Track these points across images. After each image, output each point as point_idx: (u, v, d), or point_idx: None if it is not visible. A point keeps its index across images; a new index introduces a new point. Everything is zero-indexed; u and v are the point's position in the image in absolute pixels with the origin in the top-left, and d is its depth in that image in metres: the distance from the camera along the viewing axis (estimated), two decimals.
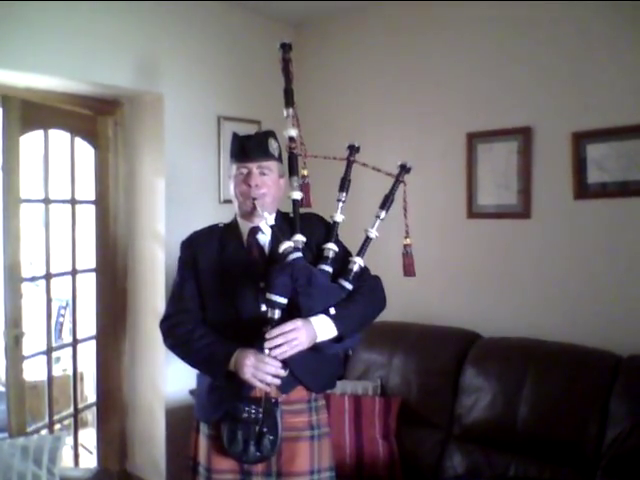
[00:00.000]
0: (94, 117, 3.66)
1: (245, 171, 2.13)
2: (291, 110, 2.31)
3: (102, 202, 3.73)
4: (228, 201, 3.77)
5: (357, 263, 2.15)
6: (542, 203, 3.16)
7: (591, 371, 2.66)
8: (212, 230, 2.28)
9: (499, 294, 3.32)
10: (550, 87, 3.11)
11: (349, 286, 2.12)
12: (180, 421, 3.65)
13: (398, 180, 2.23)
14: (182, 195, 3.66)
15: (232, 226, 2.25)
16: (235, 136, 2.22)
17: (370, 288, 2.18)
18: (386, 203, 2.23)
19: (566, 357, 2.76)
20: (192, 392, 3.71)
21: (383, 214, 2.22)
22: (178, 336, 2.15)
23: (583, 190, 3.00)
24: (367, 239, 2.22)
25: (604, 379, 2.61)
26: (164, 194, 3.59)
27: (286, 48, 2.35)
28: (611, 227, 2.94)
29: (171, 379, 3.65)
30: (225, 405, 2.06)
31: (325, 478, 2.12)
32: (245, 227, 2.20)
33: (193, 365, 2.19)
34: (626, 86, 2.88)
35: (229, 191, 2.23)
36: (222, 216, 3.70)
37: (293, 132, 2.29)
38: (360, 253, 2.18)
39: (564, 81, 3.06)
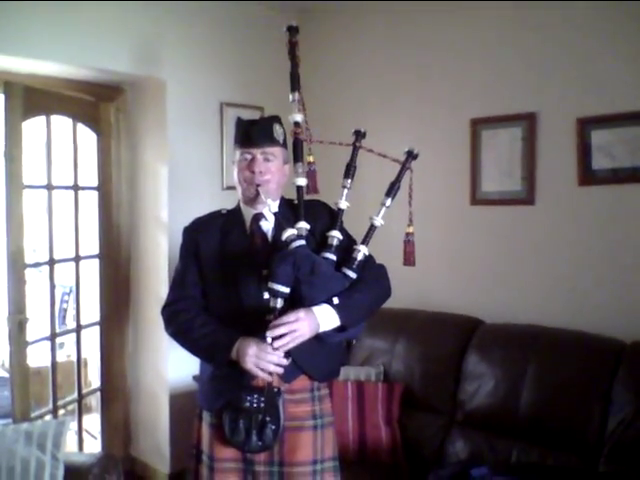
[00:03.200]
0: (96, 103, 3.65)
1: (249, 157, 2.08)
2: (297, 94, 2.23)
3: (105, 188, 3.73)
4: (231, 187, 3.77)
5: (361, 251, 2.09)
6: (546, 189, 3.14)
7: (594, 357, 2.65)
8: (215, 216, 2.24)
9: (502, 280, 3.31)
10: (555, 73, 3.09)
11: (353, 275, 2.07)
12: (184, 406, 3.67)
13: (405, 167, 2.17)
14: (185, 181, 3.66)
15: (235, 212, 2.21)
16: (239, 121, 2.17)
17: (375, 277, 2.14)
18: (392, 190, 2.15)
19: (569, 343, 2.76)
20: (195, 378, 3.72)
21: (389, 201, 2.15)
22: (180, 323, 2.12)
23: (588, 176, 2.99)
24: (372, 227, 2.15)
25: (607, 365, 2.60)
26: (167, 180, 3.59)
27: (292, 31, 2.27)
28: (616, 213, 2.93)
29: (174, 365, 3.66)
30: (227, 394, 2.04)
31: (328, 467, 2.10)
32: (248, 214, 2.16)
33: (194, 353, 2.16)
34: (631, 72, 2.85)
35: (232, 177, 2.19)
36: (225, 202, 3.70)
37: (298, 117, 2.22)
38: (364, 241, 2.12)
39: (569, 67, 3.04)
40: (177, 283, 2.21)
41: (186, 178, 3.66)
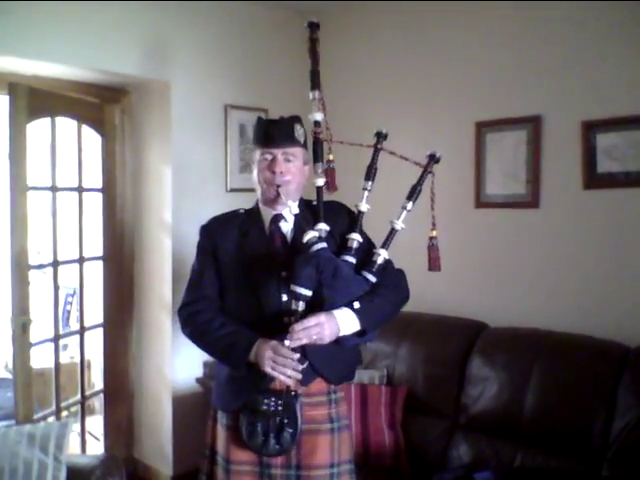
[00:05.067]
0: (101, 105, 3.65)
1: (269, 157, 2.06)
2: (317, 93, 2.21)
3: (109, 190, 3.73)
4: (235, 190, 3.81)
5: (381, 255, 2.08)
6: (551, 193, 3.13)
7: (599, 362, 2.64)
8: (233, 216, 2.21)
9: (506, 284, 3.30)
10: (560, 76, 3.08)
11: (373, 279, 2.06)
12: (187, 409, 3.68)
13: (426, 171, 2.16)
14: (189, 183, 3.66)
15: (254, 213, 2.19)
16: (260, 120, 2.15)
17: (394, 282, 2.13)
18: (413, 194, 2.14)
19: (573, 347, 2.74)
20: (199, 380, 3.73)
21: (410, 205, 2.14)
22: (197, 325, 2.09)
23: (592, 180, 2.98)
24: (392, 231, 2.13)
25: (612, 370, 2.59)
26: (171, 182, 3.59)
27: (314, 28, 2.25)
28: (620, 217, 2.92)
29: (178, 367, 3.67)
30: (244, 396, 2.02)
31: (344, 471, 2.08)
32: (267, 214, 2.14)
33: (212, 354, 2.14)
34: (636, 75, 2.84)
35: (252, 177, 2.16)
36: (229, 204, 3.67)
37: (319, 116, 2.19)
38: (385, 245, 2.11)
39: (574, 70, 3.03)
40: (194, 283, 2.18)
41: (190, 180, 3.67)
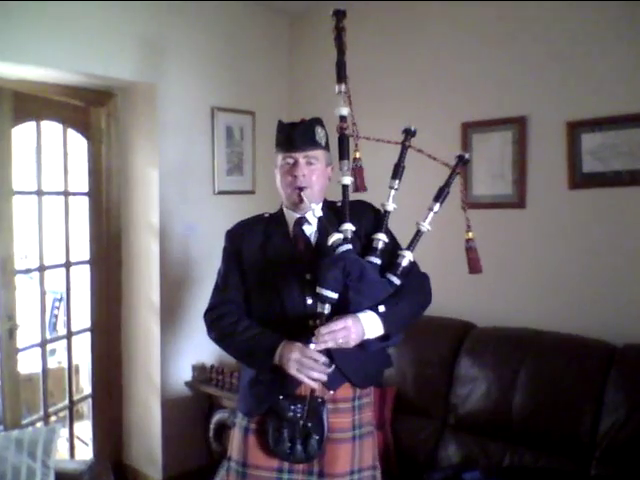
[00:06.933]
0: (86, 108, 3.63)
1: (291, 161, 2.06)
2: (343, 86, 2.16)
3: (95, 194, 3.71)
4: (223, 192, 3.80)
5: (407, 258, 2.04)
6: (537, 193, 3.15)
7: (586, 360, 2.66)
8: (257, 220, 2.20)
9: (494, 284, 3.30)
10: (545, 77, 3.10)
11: (397, 281, 2.03)
12: (176, 412, 3.68)
13: (454, 171, 2.13)
14: (176, 186, 3.65)
15: (278, 216, 2.18)
16: (281, 124, 2.13)
17: (419, 286, 2.12)
18: (441, 195, 2.10)
19: (561, 347, 2.76)
20: (188, 383, 3.72)
21: (437, 207, 2.11)
22: (222, 328, 2.08)
23: (578, 180, 2.99)
24: (418, 232, 2.10)
25: (599, 368, 2.61)
26: (158, 186, 3.58)
27: (340, 16, 2.18)
28: (606, 217, 2.93)
29: (167, 370, 3.66)
30: (269, 400, 2.00)
31: (365, 477, 2.06)
32: (291, 217, 2.13)
33: (237, 357, 2.14)
34: (621, 76, 2.86)
35: (276, 181, 2.14)
36: (217, 208, 3.73)
37: (345, 110, 2.15)
38: (410, 247, 2.08)
39: (559, 71, 3.05)
40: (219, 287, 2.18)
41: (177, 183, 3.66)
